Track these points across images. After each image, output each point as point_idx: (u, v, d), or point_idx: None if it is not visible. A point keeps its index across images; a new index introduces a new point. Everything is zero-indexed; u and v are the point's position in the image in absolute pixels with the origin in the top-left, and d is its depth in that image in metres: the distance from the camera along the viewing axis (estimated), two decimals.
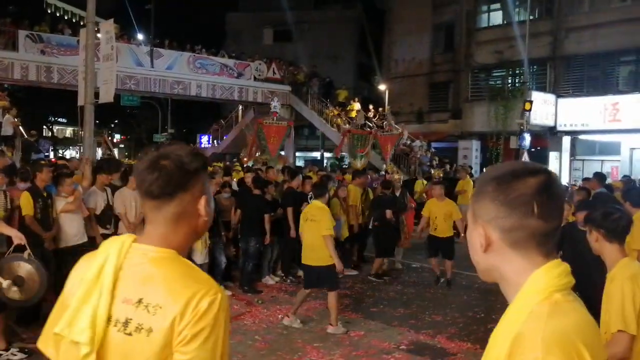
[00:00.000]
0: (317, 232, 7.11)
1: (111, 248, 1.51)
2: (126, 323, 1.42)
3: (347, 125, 23.68)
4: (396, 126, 23.09)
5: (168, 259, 1.49)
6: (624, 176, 14.81)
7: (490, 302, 8.79)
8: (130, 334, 1.41)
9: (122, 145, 50.50)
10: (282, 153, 17.66)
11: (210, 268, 8.70)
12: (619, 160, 22.26)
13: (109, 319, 1.44)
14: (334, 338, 6.87)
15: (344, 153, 21.53)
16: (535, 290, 1.24)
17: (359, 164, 17.19)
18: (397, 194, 11.25)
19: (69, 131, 54.65)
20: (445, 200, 9.99)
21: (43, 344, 1.55)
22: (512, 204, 1.26)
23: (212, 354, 1.39)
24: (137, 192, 1.56)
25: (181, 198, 1.51)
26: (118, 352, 1.43)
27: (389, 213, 10.31)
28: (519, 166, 1.32)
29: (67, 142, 48.06)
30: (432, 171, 18.46)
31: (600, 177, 9.53)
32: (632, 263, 3.13)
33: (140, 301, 1.43)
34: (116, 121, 49.89)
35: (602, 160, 22.84)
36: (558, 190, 1.31)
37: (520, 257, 1.28)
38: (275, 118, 16.90)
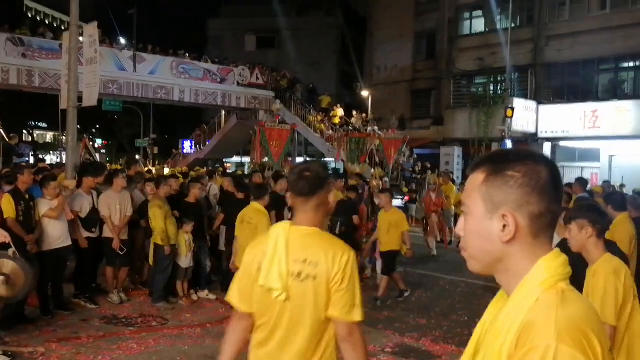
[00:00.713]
0: (252, 235, 6.61)
1: (279, 230, 2.45)
2: (299, 274, 2.37)
3: (330, 131, 23.71)
4: (379, 131, 23.00)
5: (316, 233, 2.47)
6: (604, 181, 15.02)
7: (473, 306, 8.84)
8: (302, 281, 2.36)
9: (103, 151, 50.05)
10: (290, 159, 16.91)
11: (196, 272, 8.65)
12: (598, 167, 22.58)
13: (288, 273, 2.37)
14: None
15: (342, 158, 20.17)
16: (540, 279, 1.23)
17: (357, 168, 16.40)
18: (376, 200, 10.68)
19: (49, 136, 54.09)
20: (391, 210, 8.96)
21: (232, 298, 2.57)
22: (543, 190, 1.24)
23: (355, 288, 2.40)
24: (288, 193, 2.73)
25: (319, 194, 2.45)
26: (296, 293, 2.37)
27: (356, 219, 9.99)
28: (531, 152, 1.31)
29: (47, 147, 47.51)
30: (429, 176, 18.12)
31: (582, 182, 9.65)
32: (613, 259, 3.29)
33: (305, 260, 2.38)
34: (97, 126, 49.50)
35: (582, 167, 23.15)
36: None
37: (538, 245, 1.27)
38: (277, 121, 15.99)
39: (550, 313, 1.16)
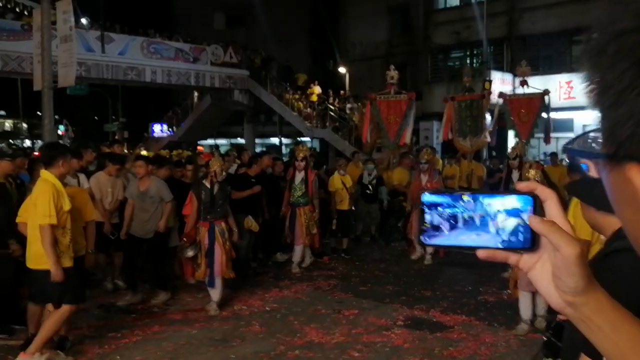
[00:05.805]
0: (32, 219, 4.99)
1: None
2: None
3: (309, 109, 23.32)
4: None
5: None
6: None
7: (474, 276, 8.78)
8: None
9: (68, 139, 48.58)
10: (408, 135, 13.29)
11: None
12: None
13: None
14: (329, 318, 6.70)
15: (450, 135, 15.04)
16: None
17: (468, 143, 12.70)
18: None
19: (8, 124, 52.13)
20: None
21: None
22: None
23: None
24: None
25: None
26: None
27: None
28: None
29: (6, 136, 45.60)
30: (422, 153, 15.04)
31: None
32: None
33: None
34: (61, 113, 47.92)
35: (557, 138, 23.32)
36: None
37: None
38: (392, 91, 12.65)
39: None
